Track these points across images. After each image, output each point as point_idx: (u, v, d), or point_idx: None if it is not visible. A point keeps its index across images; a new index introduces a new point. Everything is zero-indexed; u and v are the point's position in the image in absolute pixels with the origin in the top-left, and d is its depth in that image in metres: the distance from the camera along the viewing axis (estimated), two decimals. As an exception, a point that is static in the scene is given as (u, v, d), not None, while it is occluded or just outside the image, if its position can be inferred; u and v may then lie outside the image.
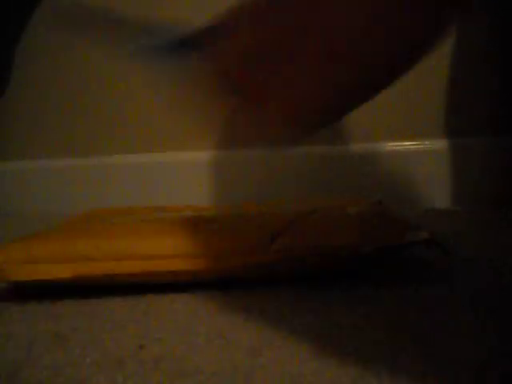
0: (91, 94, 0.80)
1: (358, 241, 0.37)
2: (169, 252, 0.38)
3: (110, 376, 0.26)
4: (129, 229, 0.42)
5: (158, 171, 0.79)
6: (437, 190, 0.74)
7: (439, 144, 0.73)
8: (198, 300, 0.36)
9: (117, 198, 0.80)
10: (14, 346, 0.30)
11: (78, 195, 0.81)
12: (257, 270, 0.38)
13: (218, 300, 0.36)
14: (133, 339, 0.30)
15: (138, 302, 0.37)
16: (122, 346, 0.29)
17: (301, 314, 0.32)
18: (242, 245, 0.38)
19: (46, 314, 0.35)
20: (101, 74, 0.79)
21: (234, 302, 0.35)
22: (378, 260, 0.40)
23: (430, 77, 0.73)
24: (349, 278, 0.38)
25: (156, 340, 0.30)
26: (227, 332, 0.30)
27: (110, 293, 0.38)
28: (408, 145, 0.74)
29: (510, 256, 0.43)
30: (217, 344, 0.29)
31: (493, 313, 0.31)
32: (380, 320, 0.31)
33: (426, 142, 0.73)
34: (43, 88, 0.81)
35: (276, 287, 0.38)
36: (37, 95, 0.82)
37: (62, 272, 0.37)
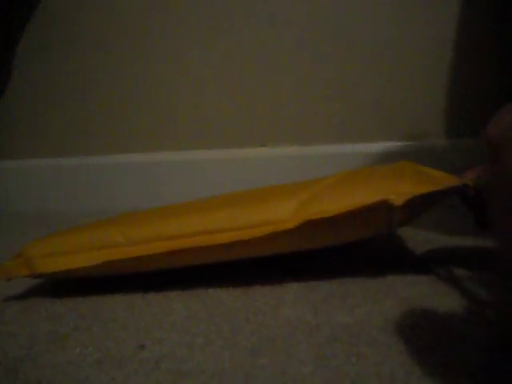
0: (93, 94, 0.80)
1: (389, 194, 0.34)
2: (193, 229, 0.37)
3: (111, 375, 0.26)
4: (150, 214, 0.41)
5: (162, 170, 0.78)
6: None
7: (439, 144, 0.73)
8: (197, 299, 0.36)
9: (120, 196, 0.80)
10: (14, 345, 0.30)
11: (81, 194, 0.81)
12: (286, 240, 0.36)
13: (217, 300, 0.36)
14: (133, 339, 0.30)
15: (139, 301, 0.37)
16: (122, 345, 0.29)
17: (301, 313, 0.32)
18: (271, 214, 0.36)
19: (46, 314, 0.35)
20: (102, 73, 0.79)
21: (234, 301, 0.35)
22: (414, 213, 0.37)
23: (430, 77, 0.72)
24: (349, 278, 0.38)
25: (156, 340, 0.30)
26: (227, 332, 0.30)
27: (110, 292, 0.38)
28: (408, 145, 0.73)
29: None
30: (217, 344, 0.29)
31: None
32: (380, 320, 0.31)
33: (426, 142, 0.73)
34: (45, 88, 0.81)
35: (276, 286, 0.38)
36: (39, 95, 0.82)
37: (90, 260, 0.37)
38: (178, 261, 0.38)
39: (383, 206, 0.34)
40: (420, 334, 0.28)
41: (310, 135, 0.76)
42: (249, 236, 0.35)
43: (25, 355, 0.29)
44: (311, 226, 0.35)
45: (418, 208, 0.36)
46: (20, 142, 0.84)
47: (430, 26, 0.71)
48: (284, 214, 0.36)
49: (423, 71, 0.72)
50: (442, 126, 0.74)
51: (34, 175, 0.82)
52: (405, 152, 0.74)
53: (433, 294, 0.34)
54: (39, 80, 0.82)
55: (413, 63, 0.72)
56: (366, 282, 0.37)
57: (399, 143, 0.75)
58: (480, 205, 0.36)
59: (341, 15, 0.72)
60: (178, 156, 0.79)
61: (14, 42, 0.80)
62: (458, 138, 0.74)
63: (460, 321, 0.30)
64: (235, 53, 0.75)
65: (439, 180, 0.36)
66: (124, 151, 0.81)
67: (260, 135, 0.76)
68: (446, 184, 0.35)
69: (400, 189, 0.35)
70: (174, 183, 0.79)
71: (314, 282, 0.38)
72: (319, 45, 0.73)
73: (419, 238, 0.48)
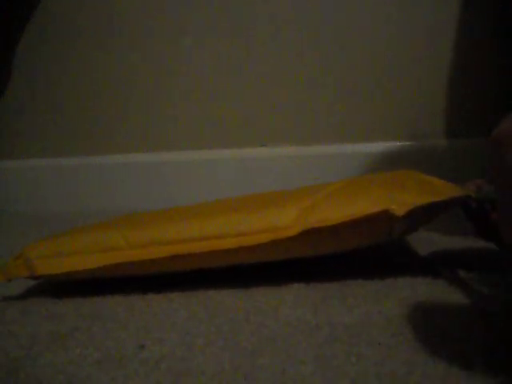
0: (93, 94, 0.80)
1: (391, 204, 0.34)
2: (195, 235, 0.37)
3: (111, 375, 0.26)
4: (151, 216, 0.41)
5: (162, 170, 0.78)
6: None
7: (439, 144, 0.73)
8: (197, 300, 0.36)
9: (120, 197, 0.80)
10: (15, 345, 0.30)
11: (81, 194, 0.81)
12: (287, 247, 0.36)
13: (217, 300, 0.36)
14: (133, 339, 0.30)
15: (139, 301, 0.37)
16: (122, 345, 0.29)
17: (301, 313, 0.32)
18: (273, 221, 0.36)
19: (47, 314, 0.35)
20: (102, 73, 0.79)
21: (234, 302, 0.35)
22: (416, 223, 0.36)
23: (430, 77, 0.73)
24: (349, 279, 0.38)
25: (156, 340, 0.30)
26: (227, 332, 0.30)
27: (110, 293, 0.38)
28: (408, 145, 0.74)
29: None
30: (217, 345, 0.29)
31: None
32: (380, 320, 0.31)
33: (426, 142, 0.73)
34: (45, 88, 0.81)
35: (276, 286, 0.38)
36: (39, 95, 0.82)
37: (90, 263, 0.37)
38: (179, 265, 0.38)
39: (385, 216, 0.34)
40: (420, 333, 0.28)
41: (310, 135, 0.76)
42: (251, 242, 0.35)
43: (25, 355, 0.29)
44: (313, 234, 0.35)
45: (419, 218, 0.36)
46: (20, 141, 0.84)
47: (430, 26, 0.71)
48: (286, 221, 0.36)
49: (423, 71, 0.72)
50: (441, 126, 0.74)
51: (34, 175, 0.82)
52: (405, 152, 0.74)
53: (433, 294, 0.34)
54: (39, 80, 0.82)
55: (413, 63, 0.72)
56: (365, 282, 0.37)
57: (399, 143, 0.75)
58: (482, 216, 0.36)
59: (341, 15, 0.72)
60: (178, 156, 0.79)
61: (14, 41, 0.80)
62: (458, 138, 0.74)
63: (460, 321, 0.30)
64: (236, 53, 0.75)
65: (442, 190, 0.36)
66: (124, 151, 0.81)
67: (260, 135, 0.77)
68: (449, 194, 0.35)
69: (402, 199, 0.34)
70: (174, 183, 0.79)
71: (314, 282, 0.38)
72: (319, 45, 0.73)
73: (420, 239, 0.48)
